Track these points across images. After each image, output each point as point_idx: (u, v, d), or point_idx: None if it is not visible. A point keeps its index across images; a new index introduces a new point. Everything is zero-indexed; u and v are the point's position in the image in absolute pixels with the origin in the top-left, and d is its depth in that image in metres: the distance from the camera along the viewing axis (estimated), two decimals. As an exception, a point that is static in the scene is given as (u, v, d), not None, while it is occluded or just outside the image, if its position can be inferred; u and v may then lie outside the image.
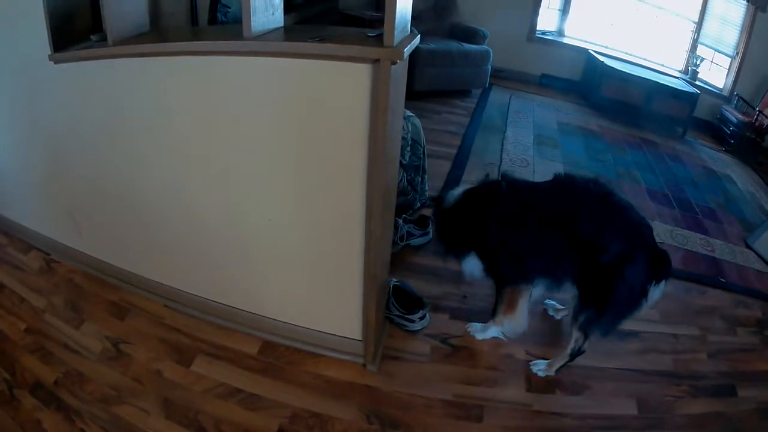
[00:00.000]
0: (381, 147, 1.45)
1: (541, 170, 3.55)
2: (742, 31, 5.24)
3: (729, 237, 3.32)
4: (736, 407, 2.12)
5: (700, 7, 5.48)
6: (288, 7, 1.67)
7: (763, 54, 5.48)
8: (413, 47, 1.45)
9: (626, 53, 5.59)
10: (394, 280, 2.20)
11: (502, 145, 3.75)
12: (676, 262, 2.87)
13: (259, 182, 1.77)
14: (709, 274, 2.89)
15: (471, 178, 3.04)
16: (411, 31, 1.52)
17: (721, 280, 2.86)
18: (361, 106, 1.44)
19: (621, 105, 5.14)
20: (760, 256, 3.14)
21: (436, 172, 3.14)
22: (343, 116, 1.51)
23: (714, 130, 5.63)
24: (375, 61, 1.36)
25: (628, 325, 2.35)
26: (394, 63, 1.35)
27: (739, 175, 4.63)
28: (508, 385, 1.99)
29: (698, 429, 2.01)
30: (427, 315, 2.12)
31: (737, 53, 5.54)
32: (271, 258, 1.92)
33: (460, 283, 2.42)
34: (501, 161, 3.50)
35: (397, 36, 1.34)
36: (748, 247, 3.24)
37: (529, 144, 3.94)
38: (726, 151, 5.32)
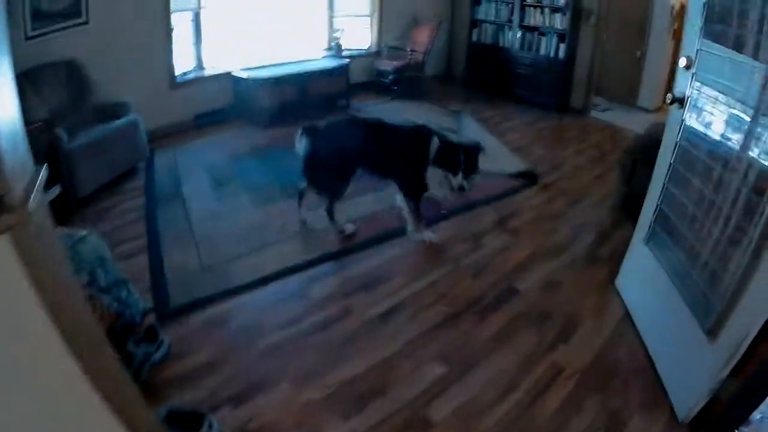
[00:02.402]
0: (71, 319, 1.14)
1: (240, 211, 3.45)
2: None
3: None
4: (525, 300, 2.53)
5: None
6: None
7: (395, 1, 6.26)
8: (44, 194, 1.11)
9: (271, 60, 5.54)
10: (163, 408, 1.85)
11: (185, 208, 3.43)
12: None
13: None
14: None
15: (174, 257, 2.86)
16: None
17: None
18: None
19: (283, 107, 5.17)
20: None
21: (137, 272, 2.68)
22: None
23: (376, 86, 6.20)
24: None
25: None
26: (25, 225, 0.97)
27: (416, 113, 5.26)
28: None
29: (505, 340, 2.28)
30: (214, 422, 1.85)
31: (374, 10, 6.25)
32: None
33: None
34: (191, 223, 3.23)
35: (15, 183, 0.97)
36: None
37: (210, 193, 3.68)
38: (393, 98, 5.92)
